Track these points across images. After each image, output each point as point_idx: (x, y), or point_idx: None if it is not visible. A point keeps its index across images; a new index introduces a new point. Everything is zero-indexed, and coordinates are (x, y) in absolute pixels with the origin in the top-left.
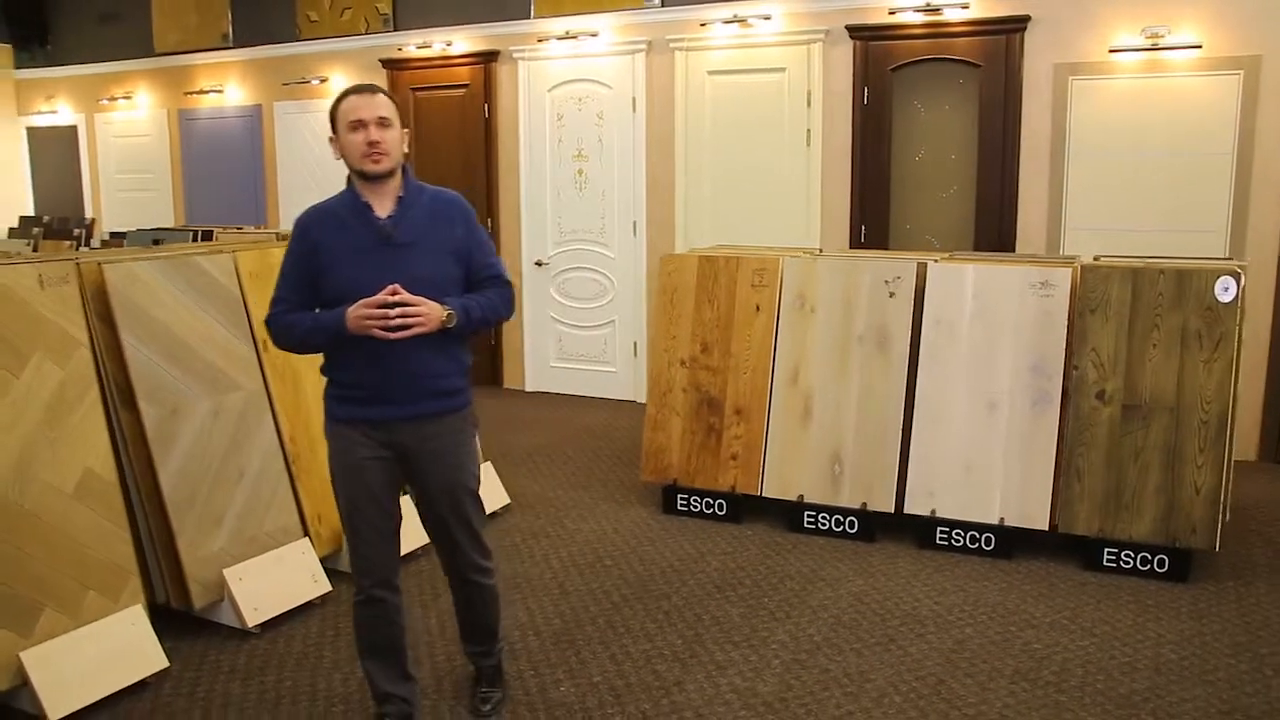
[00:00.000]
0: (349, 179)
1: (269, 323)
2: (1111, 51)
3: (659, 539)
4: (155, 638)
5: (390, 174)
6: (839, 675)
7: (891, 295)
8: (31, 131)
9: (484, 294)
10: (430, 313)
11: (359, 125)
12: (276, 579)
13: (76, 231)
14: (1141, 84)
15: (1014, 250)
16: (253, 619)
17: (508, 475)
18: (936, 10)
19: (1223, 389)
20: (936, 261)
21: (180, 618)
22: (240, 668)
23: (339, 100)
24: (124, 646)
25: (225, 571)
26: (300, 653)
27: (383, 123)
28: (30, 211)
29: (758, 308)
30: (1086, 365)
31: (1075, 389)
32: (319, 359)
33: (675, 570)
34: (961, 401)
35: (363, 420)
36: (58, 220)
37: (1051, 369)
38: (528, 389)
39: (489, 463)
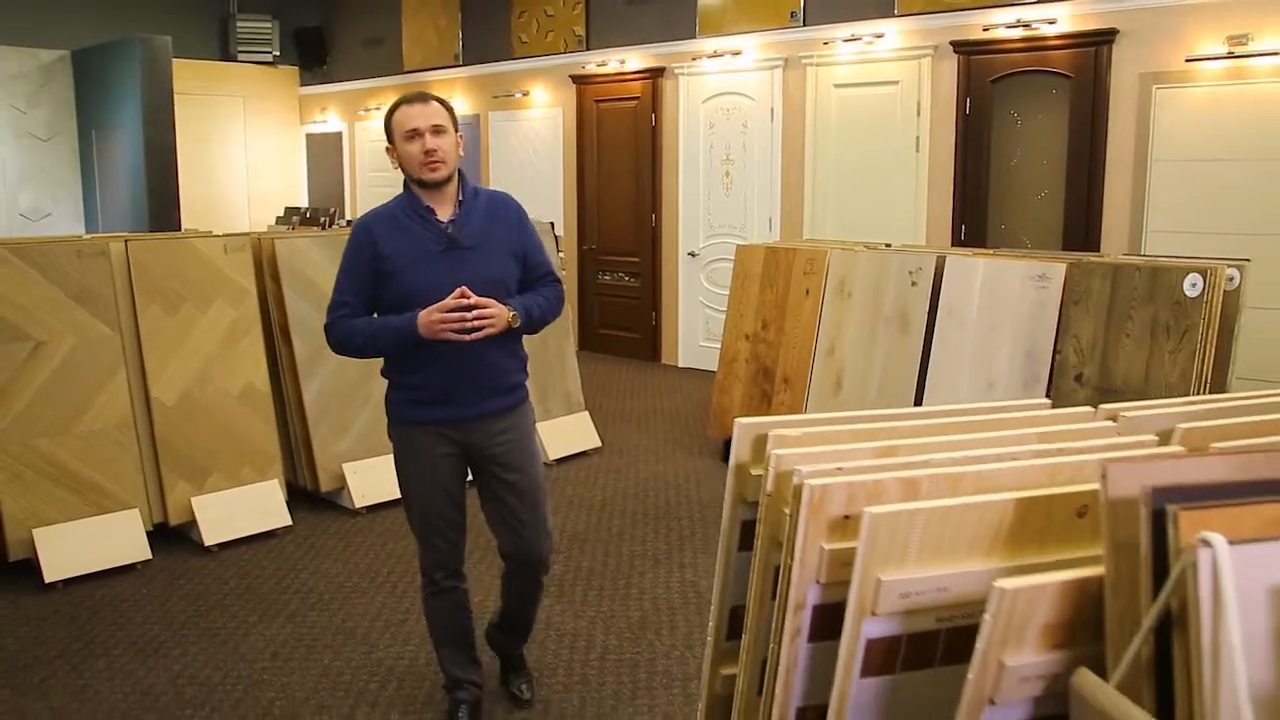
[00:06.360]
0: (406, 184)
1: (329, 328)
2: (1188, 60)
3: (704, 481)
4: (285, 504)
5: (448, 180)
6: None
7: (914, 284)
8: (309, 138)
9: (540, 293)
10: (498, 314)
11: (414, 135)
12: (384, 476)
13: (323, 219)
14: (1224, 91)
15: (1099, 250)
16: (360, 502)
17: (615, 428)
18: (1028, 25)
19: (1185, 377)
20: (952, 255)
21: (310, 497)
22: (343, 532)
23: (393, 110)
24: (263, 506)
25: (345, 465)
26: (388, 529)
27: (437, 130)
28: (304, 203)
29: (807, 292)
30: (1068, 350)
31: (1058, 371)
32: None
33: (700, 503)
34: (965, 379)
35: (435, 421)
36: (311, 210)
37: (1042, 353)
38: (680, 365)
39: (585, 412)
